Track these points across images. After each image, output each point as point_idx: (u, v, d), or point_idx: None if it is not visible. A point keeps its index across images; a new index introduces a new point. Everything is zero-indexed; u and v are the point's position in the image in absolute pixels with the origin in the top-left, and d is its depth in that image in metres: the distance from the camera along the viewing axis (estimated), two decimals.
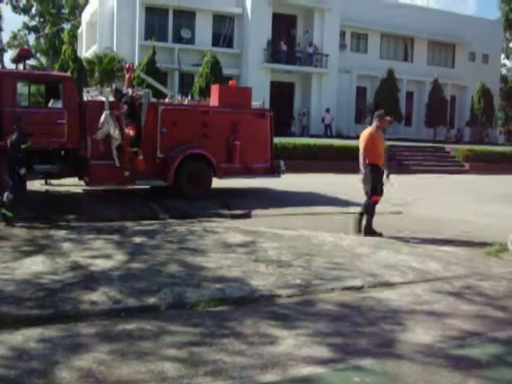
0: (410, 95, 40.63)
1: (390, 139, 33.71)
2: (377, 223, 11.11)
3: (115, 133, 12.02)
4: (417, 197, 15.67)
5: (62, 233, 8.97)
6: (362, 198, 14.36)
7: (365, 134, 9.59)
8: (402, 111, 37.30)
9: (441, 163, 27.90)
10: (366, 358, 4.61)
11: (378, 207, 13.60)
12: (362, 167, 9.51)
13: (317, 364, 4.44)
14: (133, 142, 12.12)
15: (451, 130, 40.43)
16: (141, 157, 12.20)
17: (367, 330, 5.23)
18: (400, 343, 4.95)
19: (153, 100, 13.28)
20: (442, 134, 39.49)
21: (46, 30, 52.78)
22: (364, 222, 9.75)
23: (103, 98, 12.44)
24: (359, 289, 6.56)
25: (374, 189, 9.48)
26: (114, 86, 13.43)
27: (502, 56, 54.09)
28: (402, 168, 25.70)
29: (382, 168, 9.57)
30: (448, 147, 30.84)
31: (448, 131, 39.72)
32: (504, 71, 57.64)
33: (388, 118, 9.98)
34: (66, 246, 8.06)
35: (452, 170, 26.59)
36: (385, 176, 9.63)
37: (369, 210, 9.71)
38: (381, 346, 4.87)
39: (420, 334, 5.16)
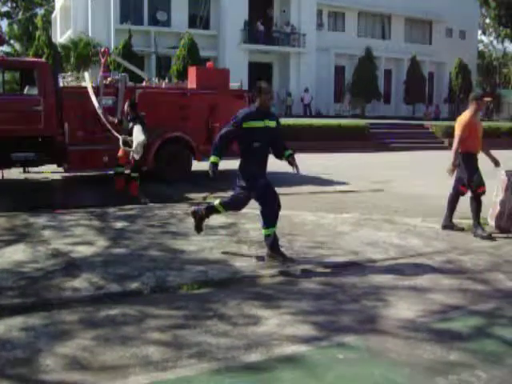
0: (388, 73, 40.76)
1: (368, 117, 33.99)
2: (357, 201, 11.19)
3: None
4: (397, 174, 15.74)
5: (42, 220, 8.89)
6: (342, 176, 14.49)
7: (462, 119, 8.52)
8: (380, 89, 37.40)
9: (420, 140, 28.07)
10: (350, 334, 4.65)
11: (359, 185, 13.66)
12: (453, 155, 8.40)
13: (301, 342, 4.47)
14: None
15: (429, 107, 40.64)
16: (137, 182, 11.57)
17: (350, 307, 5.27)
18: (383, 319, 5.00)
19: (130, 84, 13.14)
20: (420, 110, 39.67)
21: (19, 16, 51.86)
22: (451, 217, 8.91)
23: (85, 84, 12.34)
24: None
25: (473, 180, 8.44)
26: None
27: (479, 32, 54.35)
28: (381, 146, 25.86)
29: (477, 155, 8.59)
30: (427, 124, 31.04)
31: (426, 108, 39.92)
32: (481, 47, 57.92)
33: (487, 98, 8.83)
34: (47, 233, 7.99)
35: (431, 146, 26.75)
36: (493, 164, 8.67)
37: (452, 201, 8.89)
38: (364, 322, 4.91)
39: (402, 310, 5.21)
